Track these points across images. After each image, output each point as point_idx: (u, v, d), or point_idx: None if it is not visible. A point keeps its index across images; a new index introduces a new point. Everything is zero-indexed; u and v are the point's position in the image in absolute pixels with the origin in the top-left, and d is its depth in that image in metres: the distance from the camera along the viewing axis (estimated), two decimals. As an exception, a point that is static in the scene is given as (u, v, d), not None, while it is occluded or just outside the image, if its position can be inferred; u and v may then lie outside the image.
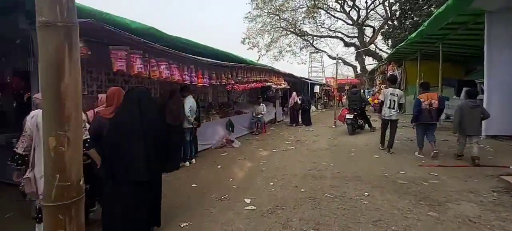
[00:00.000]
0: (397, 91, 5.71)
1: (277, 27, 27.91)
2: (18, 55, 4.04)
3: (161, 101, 5.03)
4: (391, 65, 15.25)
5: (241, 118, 9.13)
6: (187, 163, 5.36)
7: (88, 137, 2.58)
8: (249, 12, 27.08)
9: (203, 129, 6.78)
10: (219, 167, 5.27)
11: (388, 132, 5.86)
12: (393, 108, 5.56)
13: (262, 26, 27.50)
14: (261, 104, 9.69)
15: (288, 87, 12.51)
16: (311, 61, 42.52)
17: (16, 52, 4.05)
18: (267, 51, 28.41)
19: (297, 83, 16.45)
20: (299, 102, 11.71)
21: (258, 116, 9.56)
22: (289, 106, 12.23)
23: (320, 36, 29.29)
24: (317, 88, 18.89)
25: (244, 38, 27.24)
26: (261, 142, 7.88)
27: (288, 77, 13.52)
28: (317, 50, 34.82)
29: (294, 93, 11.98)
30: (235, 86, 7.01)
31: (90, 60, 3.70)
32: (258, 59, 24.79)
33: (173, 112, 4.87)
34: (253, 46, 27.39)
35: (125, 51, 3.84)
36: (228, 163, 5.57)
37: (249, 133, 9.45)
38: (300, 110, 11.88)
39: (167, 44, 5.04)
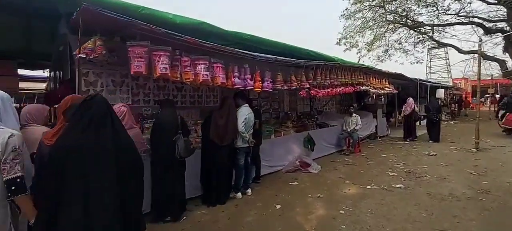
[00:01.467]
0: None
1: (382, 21, 23.45)
2: (62, 62, 3.89)
3: (207, 114, 3.94)
4: None
5: (325, 132, 7.16)
6: (239, 194, 4.05)
7: (19, 174, 1.60)
8: (346, 9, 23.98)
9: (270, 146, 5.38)
10: (278, 207, 3.68)
11: None
12: None
13: (362, 23, 23.75)
14: (354, 115, 7.38)
15: (395, 91, 9.43)
16: (430, 59, 34.13)
17: (61, 59, 3.92)
18: (368, 50, 24.33)
19: (409, 87, 12.67)
20: (418, 110, 9.26)
21: (349, 131, 7.31)
22: (403, 115, 9.57)
23: (444, 25, 22.58)
24: (440, 93, 14.11)
25: (340, 39, 24.27)
26: (351, 168, 5.70)
27: (396, 79, 10.34)
28: (440, 45, 27.23)
29: (410, 100, 9.31)
30: (312, 91, 5.24)
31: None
32: (358, 61, 21.18)
33: (219, 129, 3.66)
34: (351, 46, 24.00)
35: (145, 48, 2.90)
36: (293, 201, 3.89)
37: (337, 151, 7.34)
38: (428, 122, 8.98)
39: (225, 42, 3.96)
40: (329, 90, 5.74)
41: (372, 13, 23.99)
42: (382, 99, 9.94)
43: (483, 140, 7.90)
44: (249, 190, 4.22)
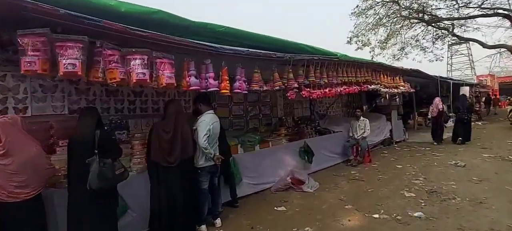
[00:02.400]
0: None
1: (396, 17, 21.91)
2: None
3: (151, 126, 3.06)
4: None
5: (328, 140, 6.11)
6: (204, 226, 3.12)
7: None
8: (357, 6, 22.65)
9: (255, 160, 4.47)
10: (247, 249, 2.73)
11: None
12: None
13: (374, 20, 22.31)
14: (361, 119, 6.29)
15: (412, 90, 8.20)
16: (451, 55, 31.83)
17: None
18: (382, 49, 22.80)
19: (428, 85, 11.33)
20: (446, 111, 8.52)
21: (357, 137, 6.22)
22: (430, 116, 8.77)
23: (465, 18, 20.67)
24: (465, 90, 12.55)
25: (350, 37, 22.92)
26: (356, 186, 4.64)
27: (412, 76, 9.10)
28: (461, 40, 25.13)
29: (437, 99, 8.39)
30: (303, 91, 4.26)
31: None
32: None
33: (164, 145, 2.76)
34: (363, 45, 22.59)
35: (42, 37, 2.10)
36: (273, 236, 2.93)
37: (343, 161, 6.26)
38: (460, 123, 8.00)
39: (194, 37, 3.11)
40: (326, 90, 4.73)
41: (385, 9, 22.57)
42: (397, 99, 8.71)
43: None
44: (218, 220, 3.29)
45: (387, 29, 23.11)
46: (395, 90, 7.43)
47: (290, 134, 5.35)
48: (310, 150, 5.31)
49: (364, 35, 22.52)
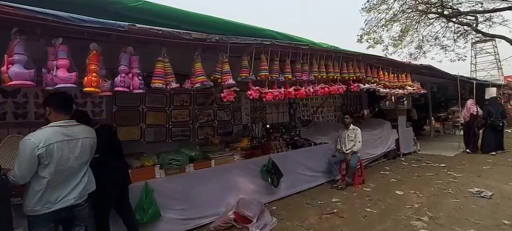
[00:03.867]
0: None
1: (412, 11, 19.92)
2: None
3: None
4: None
5: (306, 154, 4.75)
6: None
7: None
8: (368, 1, 20.86)
9: (190, 185, 3.24)
10: None
11: None
12: None
13: (386, 15, 20.43)
14: (351, 128, 4.89)
15: (423, 91, 6.65)
16: (475, 54, 29.03)
17: None
18: (395, 46, 20.86)
19: (447, 86, 9.63)
20: (482, 115, 7.18)
21: (345, 151, 4.84)
22: (463, 121, 7.77)
23: (490, 11, 18.39)
24: (492, 92, 10.65)
25: (361, 35, 21.13)
26: (329, 227, 3.28)
27: (426, 75, 7.53)
28: (486, 37, 22.60)
29: (469, 102, 7.57)
30: (250, 91, 2.98)
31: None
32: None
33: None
34: (375, 42, 20.75)
35: None
36: None
37: (328, 181, 4.90)
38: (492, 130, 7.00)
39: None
40: (290, 90, 3.42)
41: (399, 3, 20.66)
42: (405, 102, 7.19)
43: None
44: None
45: (402, 25, 21.25)
46: (400, 91, 5.94)
47: (248, 148, 4.04)
48: (277, 170, 4.01)
49: (376, 33, 20.73)
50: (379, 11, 20.91)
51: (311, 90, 3.69)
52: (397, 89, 5.94)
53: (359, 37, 21.24)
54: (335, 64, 4.33)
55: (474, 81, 9.87)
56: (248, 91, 3.03)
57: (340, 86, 4.32)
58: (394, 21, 20.89)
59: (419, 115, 11.99)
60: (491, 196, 3.79)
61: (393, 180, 4.96)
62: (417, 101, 12.97)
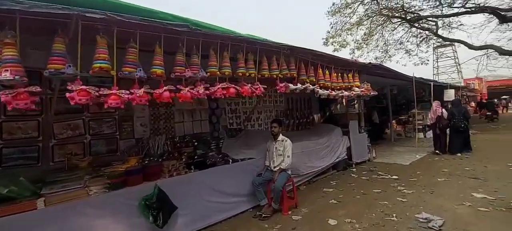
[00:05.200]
0: None
1: (375, 15, 19.97)
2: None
3: None
4: None
5: (220, 175, 3.66)
6: None
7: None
8: (333, 4, 20.64)
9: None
10: None
11: None
12: None
13: (351, 19, 20.32)
14: (280, 139, 3.90)
15: (373, 93, 5.90)
16: (437, 58, 30.22)
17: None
18: (359, 49, 20.79)
19: (407, 88, 9.18)
20: (446, 117, 7.20)
21: (273, 168, 3.84)
22: (429, 123, 7.99)
23: (450, 15, 18.92)
24: (450, 94, 10.42)
25: (327, 38, 20.86)
26: None
27: (379, 75, 6.86)
28: (446, 41, 23.41)
29: (435, 103, 7.58)
30: (110, 98, 1.89)
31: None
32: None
33: None
34: (340, 46, 20.54)
35: None
36: None
37: (254, 207, 3.85)
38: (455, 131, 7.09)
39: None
40: (161, 91, 2.34)
41: (364, 7, 20.69)
42: (356, 105, 6.42)
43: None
44: None
45: (367, 29, 21.29)
46: (346, 92, 5.12)
47: (117, 175, 2.86)
48: (165, 201, 2.89)
49: (341, 36, 20.54)
50: (344, 15, 20.91)
51: (201, 91, 2.62)
52: (343, 91, 5.13)
53: (325, 40, 21.03)
54: (250, 58, 3.34)
55: (432, 83, 9.52)
56: (109, 99, 1.90)
57: (256, 86, 3.32)
58: (359, 24, 20.94)
59: (381, 118, 11.54)
60: (441, 227, 2.94)
61: (333, 201, 4.03)
62: (380, 104, 12.57)
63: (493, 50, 20.19)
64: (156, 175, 3.08)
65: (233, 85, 3.02)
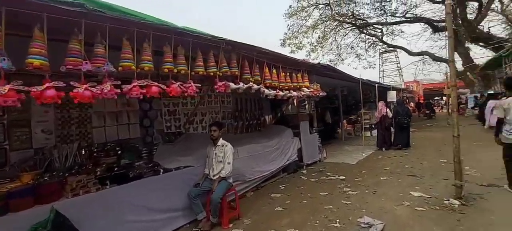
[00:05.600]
0: None
1: (329, 19, 20.91)
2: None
3: None
4: None
5: (147, 188, 3.12)
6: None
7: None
8: (290, 6, 21.08)
9: None
10: None
11: None
12: None
13: (307, 22, 20.98)
14: (220, 143, 3.51)
15: (322, 94, 5.88)
16: (382, 63, 33.07)
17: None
18: (313, 51, 21.58)
19: (356, 90, 9.52)
20: (391, 115, 7.92)
21: (213, 177, 3.43)
22: (375, 122, 8.74)
23: (392, 23, 20.83)
24: (392, 95, 11.23)
25: (284, 39, 21.24)
26: None
27: (328, 76, 6.92)
28: (390, 47, 25.77)
29: (381, 103, 8.14)
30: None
31: None
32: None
33: None
34: (297, 48, 21.06)
35: None
36: None
37: (191, 222, 3.39)
38: (396, 127, 7.90)
39: None
40: (42, 88, 1.76)
41: (318, 11, 21.52)
42: (306, 106, 6.36)
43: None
44: None
45: (321, 33, 22.19)
46: (294, 93, 4.95)
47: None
48: (65, 228, 2.27)
49: (297, 38, 21.08)
50: (300, 17, 21.50)
51: (106, 90, 2.09)
52: (291, 91, 4.95)
53: (282, 41, 21.36)
54: (180, 52, 2.88)
55: (376, 85, 10.11)
56: None
57: (187, 85, 2.88)
58: (314, 28, 21.72)
59: (333, 118, 11.94)
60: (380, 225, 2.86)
61: (278, 208, 3.77)
62: (332, 105, 13.04)
63: (427, 57, 22.84)
64: (55, 194, 2.44)
65: (156, 84, 2.53)
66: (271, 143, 5.29)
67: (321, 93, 5.81)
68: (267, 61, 4.34)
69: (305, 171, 5.87)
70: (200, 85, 3.03)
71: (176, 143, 4.23)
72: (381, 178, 4.88)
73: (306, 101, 6.29)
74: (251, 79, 3.90)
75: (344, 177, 5.12)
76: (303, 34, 20.99)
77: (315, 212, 3.52)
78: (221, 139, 3.55)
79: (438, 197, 3.69)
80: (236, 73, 3.61)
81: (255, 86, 3.96)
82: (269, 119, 6.81)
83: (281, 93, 4.55)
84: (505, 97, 3.83)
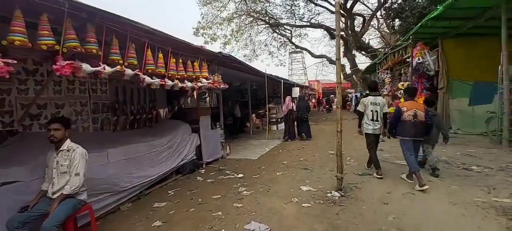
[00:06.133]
0: (379, 99, 4.39)
1: (244, 13, 21.04)
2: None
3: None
4: (418, 49, 8.69)
5: None
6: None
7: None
8: (204, -8, 20.01)
9: None
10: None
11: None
12: (377, 120, 4.29)
13: (222, 13, 20.47)
14: (65, 147, 2.53)
15: (224, 86, 5.46)
16: (291, 62, 36.34)
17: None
18: (225, 44, 21.35)
19: (261, 84, 9.58)
20: (296, 109, 8.71)
21: (53, 196, 2.43)
22: (282, 115, 9.49)
23: (298, 26, 22.81)
24: (296, 91, 12.07)
25: (197, 28, 20.09)
26: None
27: (235, 69, 6.58)
28: (297, 49, 28.41)
29: (288, 98, 8.81)
30: None
31: None
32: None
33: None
34: (211, 39, 20.29)
35: None
36: None
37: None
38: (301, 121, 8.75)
39: None
40: None
41: (235, 4, 21.35)
42: (207, 99, 5.83)
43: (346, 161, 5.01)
44: None
45: (236, 26, 22.19)
46: (188, 83, 4.31)
47: None
48: None
49: (211, 29, 20.32)
50: (215, 7, 20.79)
51: None
52: (185, 82, 4.29)
53: (195, 30, 20.17)
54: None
55: (282, 81, 10.59)
56: None
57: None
58: (229, 20, 21.43)
59: (242, 113, 11.94)
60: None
61: (156, 224, 3.09)
62: (243, 99, 13.07)
63: (326, 60, 26.31)
64: None
65: None
66: (161, 141, 4.50)
67: (222, 86, 5.38)
68: (149, 42, 3.53)
69: (204, 170, 5.36)
70: (15, 61, 2.00)
71: (4, 146, 2.91)
72: (277, 174, 4.86)
73: (207, 94, 5.74)
74: (122, 61, 3.03)
75: (242, 175, 4.86)
76: (218, 25, 20.39)
77: (200, 224, 3.02)
78: (68, 141, 2.56)
79: (323, 190, 3.83)
80: (94, 50, 2.67)
81: (130, 71, 3.11)
82: (164, 112, 5.92)
83: (169, 83, 3.82)
84: (366, 96, 4.57)
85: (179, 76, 4.14)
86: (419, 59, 8.58)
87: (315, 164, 5.39)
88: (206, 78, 4.92)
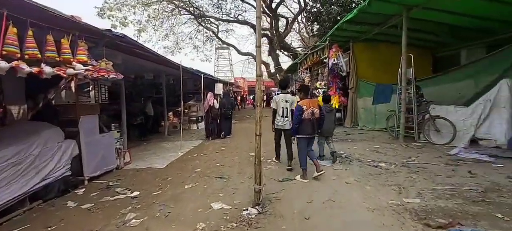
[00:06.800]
0: (289, 97, 4.69)
1: (163, 0, 18.80)
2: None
3: None
4: (333, 50, 9.16)
5: None
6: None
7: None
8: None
9: None
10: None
11: (282, 143, 4.79)
12: (286, 116, 4.59)
13: (135, -5, 17.69)
14: None
15: (117, 77, 4.13)
16: (218, 58, 35.32)
17: None
18: (140, 31, 18.80)
19: (183, 79, 8.35)
20: (217, 106, 8.15)
21: None
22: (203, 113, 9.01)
23: (226, 20, 22.06)
24: (219, 88, 11.23)
25: (103, 8, 16.76)
26: None
27: (142, 57, 5.25)
28: (224, 45, 27.59)
29: (209, 94, 8.12)
30: None
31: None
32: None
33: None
34: (120, 23, 17.25)
35: None
36: None
37: None
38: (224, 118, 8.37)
39: None
40: None
41: (151, -12, 18.82)
42: (91, 93, 4.36)
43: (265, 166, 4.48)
44: None
45: (155, 12, 19.73)
46: (47, 68, 2.90)
47: None
48: None
49: (121, 11, 17.34)
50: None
51: None
52: (42, 66, 2.87)
53: (99, 9, 16.84)
54: None
55: (202, 75, 9.59)
56: None
57: None
58: (146, 5, 18.82)
59: (156, 110, 10.35)
60: None
61: None
62: (158, 95, 11.41)
63: (252, 57, 26.43)
64: None
65: None
66: (3, 155, 2.93)
67: (112, 76, 4.04)
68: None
69: (83, 190, 3.92)
70: None
71: None
72: (186, 187, 3.92)
73: (92, 86, 4.29)
74: None
75: (138, 193, 3.71)
76: (131, 7, 17.54)
77: None
78: None
79: (238, 207, 3.12)
80: None
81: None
82: (21, 111, 4.11)
83: (3, 65, 2.38)
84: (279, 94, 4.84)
85: (30, 55, 2.71)
86: (334, 60, 9.05)
87: (233, 170, 4.68)
88: (84, 63, 3.54)
